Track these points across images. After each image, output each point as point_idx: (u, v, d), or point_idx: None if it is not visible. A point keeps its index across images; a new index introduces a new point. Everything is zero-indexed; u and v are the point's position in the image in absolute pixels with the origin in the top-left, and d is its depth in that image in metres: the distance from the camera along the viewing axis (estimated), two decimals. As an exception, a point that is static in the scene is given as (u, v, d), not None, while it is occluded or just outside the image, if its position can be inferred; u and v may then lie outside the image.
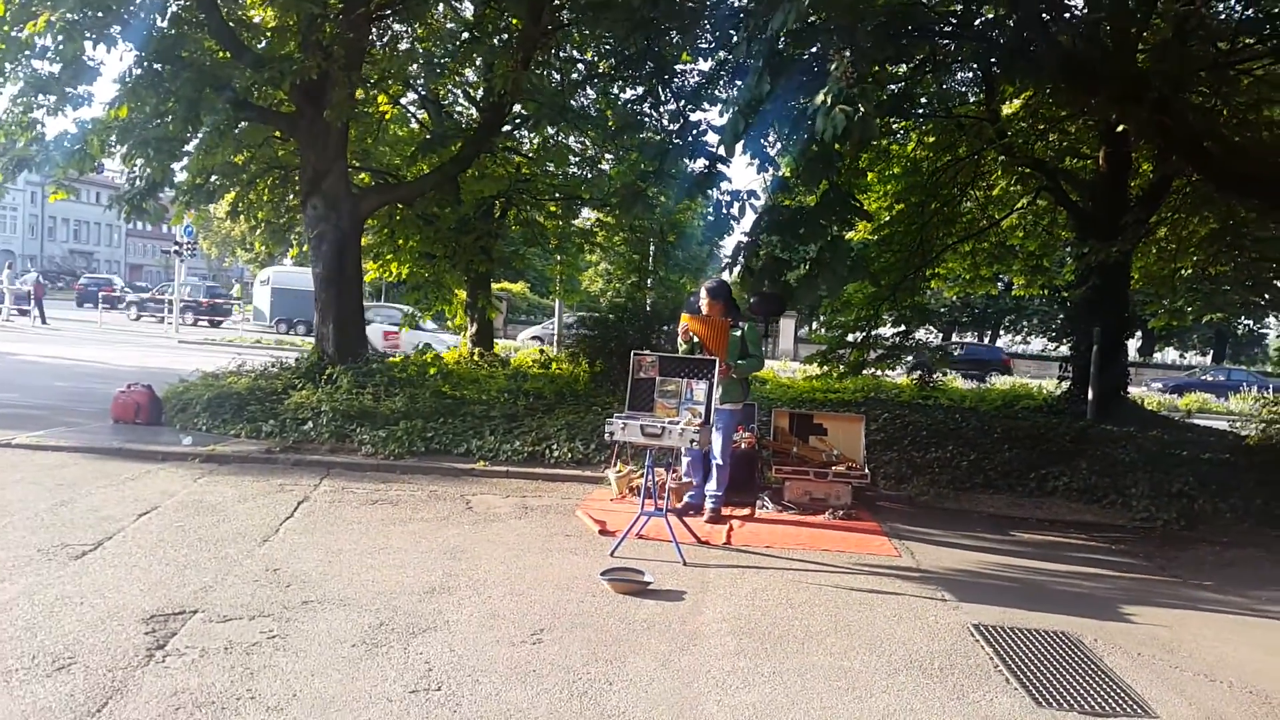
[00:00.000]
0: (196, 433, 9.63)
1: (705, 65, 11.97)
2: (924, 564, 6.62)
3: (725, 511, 7.57)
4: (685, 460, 7.71)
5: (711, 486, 7.46)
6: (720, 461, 7.40)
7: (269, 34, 12.25)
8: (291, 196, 15.04)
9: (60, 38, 9.57)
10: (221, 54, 11.32)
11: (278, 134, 13.16)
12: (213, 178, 13.60)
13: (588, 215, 20.58)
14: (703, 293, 7.73)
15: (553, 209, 18.43)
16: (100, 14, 9.42)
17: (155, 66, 10.63)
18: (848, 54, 6.56)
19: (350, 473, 8.50)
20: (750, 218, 10.31)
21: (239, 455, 8.79)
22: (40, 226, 79.98)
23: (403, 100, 16.53)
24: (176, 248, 30.66)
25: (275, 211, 15.97)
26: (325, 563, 5.66)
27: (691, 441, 6.31)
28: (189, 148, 11.93)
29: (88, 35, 9.55)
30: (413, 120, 17.34)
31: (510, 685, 4.01)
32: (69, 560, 5.37)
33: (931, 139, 15.30)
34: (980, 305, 50.93)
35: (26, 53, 10.08)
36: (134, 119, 10.80)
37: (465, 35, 13.36)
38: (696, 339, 7.37)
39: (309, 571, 5.46)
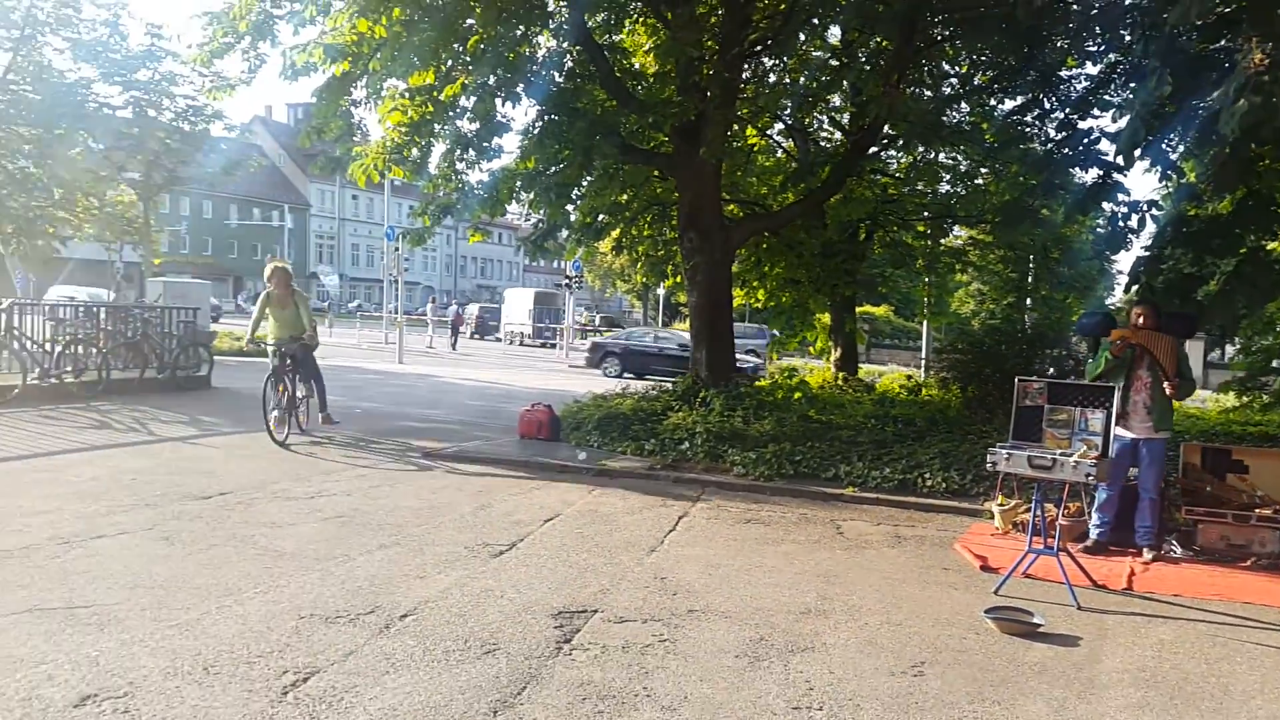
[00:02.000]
0: (589, 448, 10.54)
1: (1093, 69, 11.11)
2: (1383, 630, 5.59)
3: (1129, 556, 6.93)
4: (1100, 496, 7.14)
5: (1148, 526, 6.96)
6: (1154, 496, 6.92)
7: (650, 80, 13.20)
8: (668, 230, 16.00)
9: (475, 99, 11.03)
10: (609, 102, 12.36)
11: (656, 173, 14.10)
12: (600, 216, 14.86)
13: (959, 233, 19.81)
14: (1136, 309, 7.23)
15: (921, 228, 17.98)
16: (509, 75, 10.70)
17: (553, 118, 11.85)
18: (1257, 42, 5.79)
19: (723, 492, 8.86)
20: (1151, 230, 9.36)
21: (625, 470, 9.50)
22: (454, 264, 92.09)
23: (770, 131, 16.99)
24: (567, 281, 33.78)
25: (654, 245, 17.05)
26: (706, 575, 5.96)
27: (1088, 475, 5.85)
28: (580, 190, 13.19)
29: (498, 94, 10.89)
30: (779, 150, 17.74)
31: (892, 714, 3.97)
32: (489, 558, 6.11)
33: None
34: None
35: (450, 114, 11.72)
36: (536, 167, 12.12)
37: (834, 62, 13.48)
38: (1134, 353, 6.87)
39: (692, 582, 5.77)
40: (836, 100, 16.42)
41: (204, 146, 26.80)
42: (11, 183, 21.39)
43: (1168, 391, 6.87)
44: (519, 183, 12.19)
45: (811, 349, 21.09)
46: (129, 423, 11.04)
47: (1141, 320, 7.08)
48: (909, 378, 17.97)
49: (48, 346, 12.94)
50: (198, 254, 66.06)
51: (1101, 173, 9.09)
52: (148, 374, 14.17)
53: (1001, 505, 7.73)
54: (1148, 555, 6.91)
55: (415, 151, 11.90)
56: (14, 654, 4.04)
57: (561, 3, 11.42)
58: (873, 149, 15.19)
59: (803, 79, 14.16)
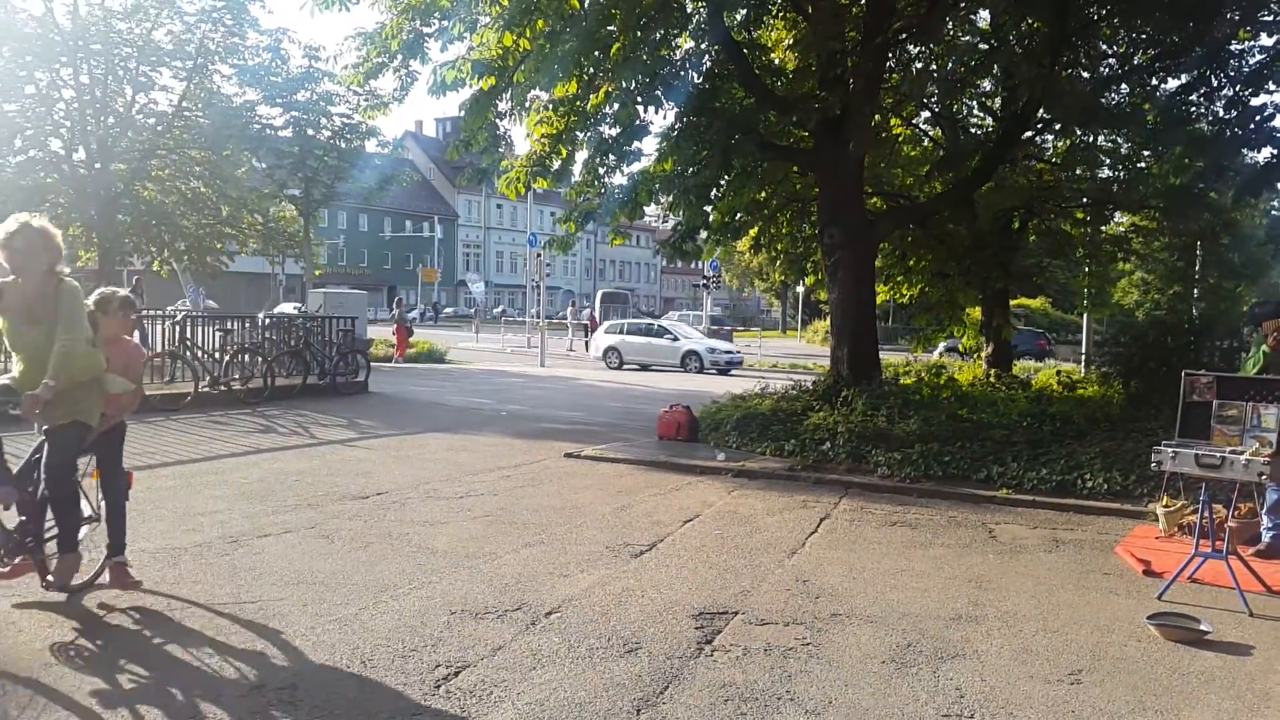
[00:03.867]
0: (728, 449, 10.51)
1: (1269, 40, 10.32)
2: None
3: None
4: (1271, 496, 6.64)
5: None
6: None
7: (790, 75, 13.04)
8: (808, 227, 15.78)
9: (618, 105, 11.17)
10: (748, 101, 12.29)
11: (795, 169, 13.92)
12: (738, 215, 14.79)
13: (1121, 220, 18.75)
14: None
15: (1080, 216, 17.09)
16: (649, 79, 10.79)
17: (693, 119, 11.87)
18: None
19: (867, 493, 8.67)
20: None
21: (765, 471, 9.42)
22: (594, 268, 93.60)
23: (915, 120, 16.51)
24: (704, 281, 33.83)
25: (793, 242, 16.85)
26: (849, 579, 5.84)
27: (1261, 475, 5.44)
28: (719, 190, 13.17)
29: (639, 100, 11.00)
30: (925, 138, 17.21)
31: (1049, 726, 3.80)
32: (630, 558, 6.17)
33: None
34: None
35: (592, 121, 11.92)
36: (675, 169, 12.17)
37: (983, 46, 13.00)
38: None
39: (835, 585, 5.67)
40: (987, 85, 15.81)
41: (359, 162, 28.15)
42: (185, 203, 23.09)
43: None
44: (658, 185, 12.27)
45: (961, 345, 20.40)
46: (291, 427, 11.72)
47: None
48: (1066, 374, 17.07)
49: (216, 355, 13.86)
50: (354, 265, 69.53)
51: (1276, 151, 8.44)
52: (309, 380, 14.99)
53: (1167, 507, 7.27)
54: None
55: (558, 161, 12.15)
56: (191, 645, 4.35)
57: (700, 3, 11.43)
58: (1026, 134, 14.53)
59: (950, 64, 13.69)
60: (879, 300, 17.23)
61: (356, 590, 5.22)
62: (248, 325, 15.31)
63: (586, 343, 35.52)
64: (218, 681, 3.94)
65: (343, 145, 26.95)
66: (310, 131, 26.36)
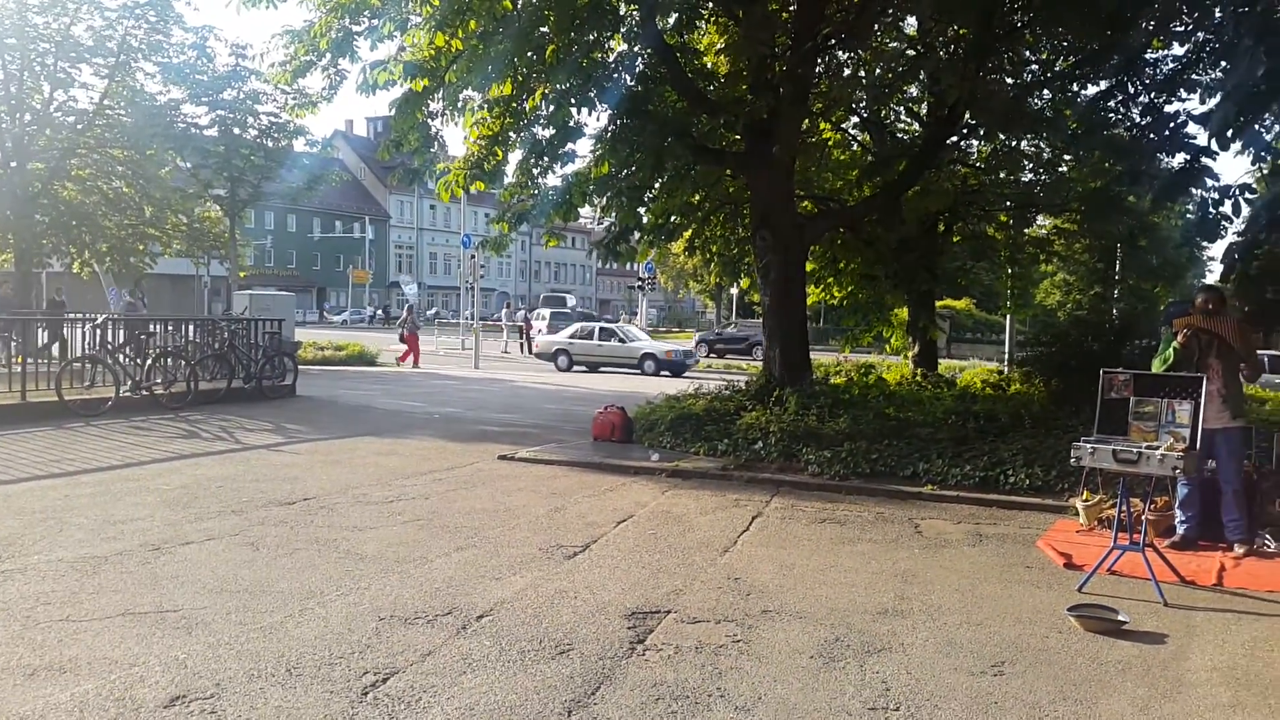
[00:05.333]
0: (662, 450, 10.55)
1: (1180, 50, 10.69)
2: None
3: (1219, 551, 6.65)
4: (1181, 491, 6.89)
5: (1235, 518, 6.69)
6: (1236, 486, 6.65)
7: (722, 79, 13.15)
8: (741, 229, 15.92)
9: (552, 107, 11.14)
10: (681, 104, 12.36)
11: (728, 172, 14.04)
12: (672, 218, 14.86)
13: (1043, 223, 19.28)
14: (1201, 293, 7.02)
15: (1003, 219, 17.54)
16: (582, 81, 10.78)
17: (626, 122, 11.89)
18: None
19: (798, 491, 8.78)
20: (1244, 215, 8.97)
21: (698, 471, 9.48)
22: (529, 269, 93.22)
23: (844, 125, 16.76)
24: (640, 283, 33.93)
25: (726, 245, 16.98)
26: (780, 576, 5.91)
27: (1175, 469, 5.64)
28: (653, 192, 13.21)
29: (572, 102, 10.98)
30: (854, 143, 17.50)
31: (972, 714, 3.88)
32: (564, 559, 6.15)
33: None
34: None
35: (525, 121, 11.86)
36: (609, 171, 12.18)
37: (910, 52, 13.25)
38: (1203, 340, 6.64)
39: (766, 583, 5.73)
40: (913, 91, 16.13)
41: (287, 162, 27.62)
42: (106, 203, 22.43)
43: (1244, 376, 6.58)
44: (592, 187, 12.27)
45: (888, 345, 20.77)
46: (216, 431, 11.44)
47: (1210, 306, 6.80)
48: (1000, 372, 17.49)
49: (138, 360, 13.48)
50: (282, 267, 68.18)
51: (1189, 157, 8.75)
52: (235, 384, 14.66)
53: (1086, 501, 7.50)
54: (1239, 550, 6.62)
55: (493, 161, 12.07)
56: (108, 656, 4.22)
57: (633, 6, 11.46)
58: (951, 139, 14.87)
59: (878, 70, 13.93)
60: (810, 301, 17.47)
61: (282, 597, 5.11)
62: (170, 328, 14.92)
63: (521, 345, 35.34)
64: (137, 692, 3.83)
65: (270, 144, 26.40)
66: (237, 130, 25.77)
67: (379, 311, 69.00)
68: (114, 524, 6.62)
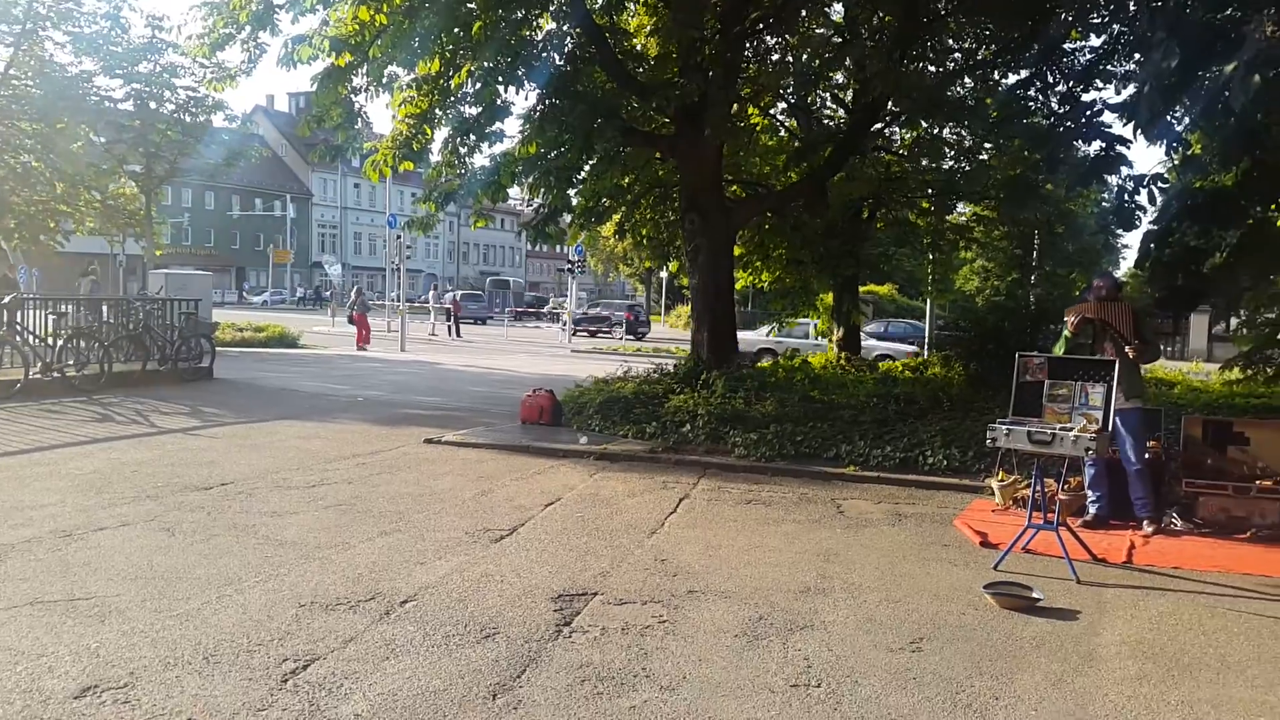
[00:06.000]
0: (591, 433, 10.55)
1: (1097, 41, 11.01)
2: (1385, 600, 5.59)
3: (1129, 530, 6.92)
4: (1089, 472, 7.13)
5: (1141, 496, 6.92)
6: (1139, 466, 6.88)
7: (651, 61, 13.12)
8: (670, 213, 15.95)
9: (479, 84, 10.98)
10: (610, 85, 12.30)
11: (658, 155, 14.04)
12: (602, 200, 14.81)
13: (963, 210, 19.74)
14: (1096, 281, 7.24)
15: (925, 206, 17.91)
16: (510, 59, 10.65)
17: (555, 102, 11.79)
18: (1270, 12, 5.73)
19: (725, 473, 8.86)
20: (1158, 204, 9.29)
21: (627, 454, 9.50)
22: (457, 251, 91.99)
23: (772, 110, 16.89)
24: (569, 266, 33.77)
25: (656, 228, 17.01)
26: (706, 556, 5.96)
27: (1087, 450, 5.84)
28: (582, 174, 13.14)
29: (499, 80, 10.84)
30: (781, 129, 17.65)
31: (890, 690, 3.98)
32: (490, 543, 6.12)
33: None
34: None
35: (452, 99, 11.67)
36: (538, 151, 12.08)
37: (836, 39, 13.40)
38: (1095, 328, 6.87)
39: (692, 563, 5.78)
40: (840, 78, 16.34)
41: (205, 138, 26.79)
42: (14, 178, 21.48)
43: (1130, 355, 6.81)
44: (520, 167, 12.15)
45: (814, 330, 21.10)
46: (130, 415, 11.08)
47: (1104, 293, 7.04)
48: (916, 354, 17.90)
49: (50, 340, 12.97)
50: (200, 245, 66.22)
51: (1105, 145, 9.01)
52: (150, 366, 14.21)
53: (1002, 481, 7.72)
54: (1148, 528, 6.89)
55: (422, 140, 11.87)
56: (15, 646, 4.07)
57: (562, -16, 11.36)
58: (876, 126, 15.11)
59: (805, 56, 14.06)
60: (739, 286, 17.62)
61: (200, 584, 4.98)
62: (83, 308, 14.37)
63: (449, 327, 34.94)
64: (45, 683, 3.70)
65: (188, 119, 25.52)
66: (153, 104, 24.88)
67: (310, 292, 67.43)
68: (22, 510, 6.37)
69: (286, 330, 25.64)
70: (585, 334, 39.08)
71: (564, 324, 37.23)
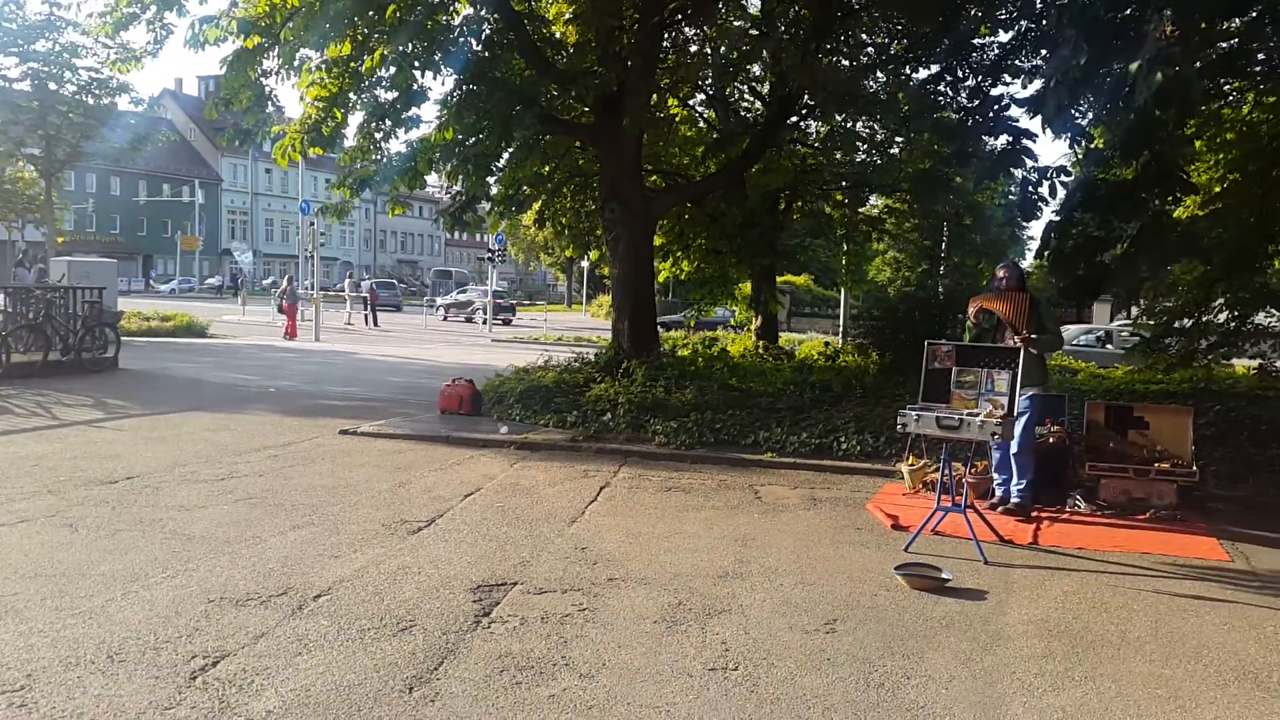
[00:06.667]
0: (511, 422, 10.49)
1: (1005, 36, 11.31)
2: (1261, 569, 5.92)
3: (1034, 510, 7.17)
4: (995, 455, 7.35)
5: (1015, 481, 7.10)
6: (1015, 451, 7.04)
7: (570, 49, 13.04)
8: (591, 203, 15.91)
9: (394, 69, 10.76)
10: (529, 72, 12.19)
11: (578, 144, 13.98)
12: (522, 188, 14.69)
13: (876, 202, 20.13)
14: (998, 271, 7.44)
15: (839, 198, 18.23)
16: (426, 44, 10.47)
17: (473, 88, 11.63)
18: (1168, 13, 5.97)
19: (645, 461, 8.91)
20: (1060, 196, 9.59)
21: (548, 443, 9.48)
22: (374, 239, 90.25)
23: (691, 101, 16.97)
24: (489, 255, 33.45)
25: (576, 217, 16.96)
26: (626, 544, 6.00)
27: (993, 435, 6.04)
28: (501, 162, 13.00)
29: (415, 65, 10.65)
30: (700, 120, 17.74)
31: (805, 671, 4.07)
32: (407, 535, 6.05)
33: (1272, 99, 13.47)
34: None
35: (366, 83, 11.42)
36: (455, 138, 11.90)
37: (754, 32, 13.50)
38: (996, 318, 7.07)
39: (612, 551, 5.81)
40: (756, 70, 16.47)
41: (110, 121, 25.78)
42: (-101, 160, 20.36)
43: (1017, 344, 6.98)
44: (438, 153, 11.96)
45: (733, 319, 21.32)
46: (31, 407, 10.64)
47: (1005, 283, 7.24)
48: (826, 344, 18.23)
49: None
50: (105, 232, 63.74)
51: (1011, 139, 9.26)
52: (51, 357, 13.65)
53: (911, 466, 7.93)
54: (999, 508, 7.08)
55: (332, 124, 11.59)
56: (-97, 648, 3.89)
57: (478, -33, 11.19)
58: (792, 119, 15.28)
59: (723, 48, 14.14)
60: (660, 276, 17.69)
61: (104, 581, 4.83)
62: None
63: (366, 316, 34.30)
64: (-68, 690, 3.54)
65: (90, 101, 24.55)
66: (52, 85, 23.86)
67: (227, 281, 65.30)
68: (-94, 509, 6.08)
69: (195, 319, 24.85)
70: (459, 320, 40.92)
71: (481, 311, 36.94)
